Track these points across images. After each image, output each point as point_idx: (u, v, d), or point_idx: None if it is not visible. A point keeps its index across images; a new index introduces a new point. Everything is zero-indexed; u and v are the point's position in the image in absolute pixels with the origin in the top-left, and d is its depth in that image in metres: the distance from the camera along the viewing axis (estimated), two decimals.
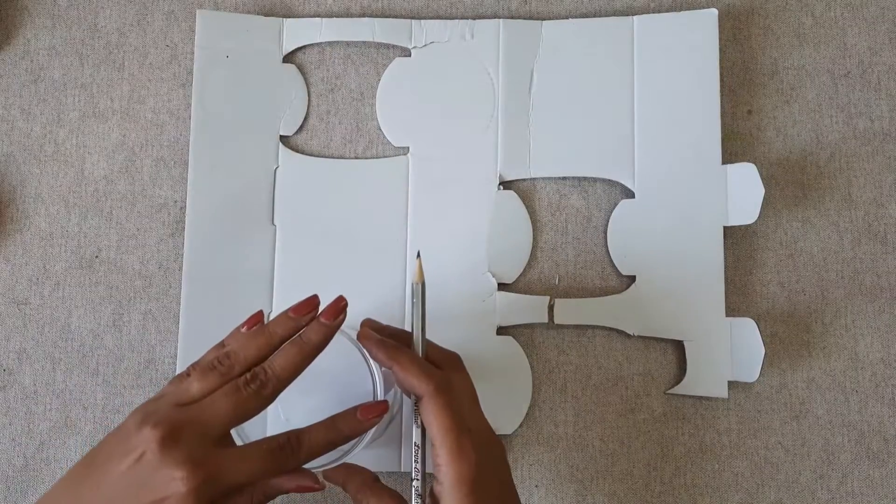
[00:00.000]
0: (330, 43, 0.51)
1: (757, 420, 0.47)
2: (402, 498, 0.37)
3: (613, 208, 0.49)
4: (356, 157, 0.50)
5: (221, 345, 0.37)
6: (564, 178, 0.50)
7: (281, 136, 0.49)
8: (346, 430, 0.36)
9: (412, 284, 0.38)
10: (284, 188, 0.49)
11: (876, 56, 0.50)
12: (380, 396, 0.40)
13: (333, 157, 0.50)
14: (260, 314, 0.38)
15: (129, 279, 0.49)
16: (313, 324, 0.36)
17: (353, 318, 0.48)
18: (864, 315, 0.48)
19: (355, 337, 0.39)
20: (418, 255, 0.39)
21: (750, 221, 0.47)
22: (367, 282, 0.48)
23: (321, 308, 0.37)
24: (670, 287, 0.47)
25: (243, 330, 0.37)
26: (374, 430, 0.37)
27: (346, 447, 0.38)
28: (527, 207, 0.49)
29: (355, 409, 0.37)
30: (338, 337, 0.37)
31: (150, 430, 0.32)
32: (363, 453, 0.45)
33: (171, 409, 0.33)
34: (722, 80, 0.49)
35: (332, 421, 0.36)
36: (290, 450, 0.34)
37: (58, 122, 0.50)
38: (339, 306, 0.37)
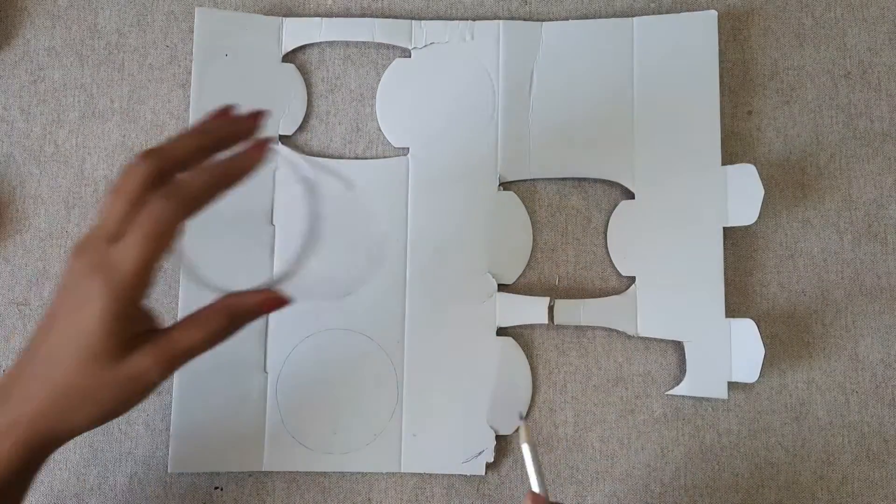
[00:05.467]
0: (330, 43, 0.51)
1: (757, 421, 0.47)
2: None
3: (613, 209, 0.49)
4: (356, 158, 0.50)
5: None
6: (564, 179, 0.50)
7: (280, 136, 0.49)
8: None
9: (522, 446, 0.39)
10: (284, 189, 0.49)
11: (876, 56, 0.50)
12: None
13: (333, 158, 0.50)
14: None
15: None
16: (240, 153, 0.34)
17: (352, 317, 0.48)
18: (865, 316, 0.48)
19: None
20: (522, 417, 0.41)
21: (750, 222, 0.47)
22: (367, 282, 0.48)
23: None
24: (670, 288, 0.47)
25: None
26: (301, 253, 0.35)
27: (281, 274, 0.36)
28: (527, 208, 0.49)
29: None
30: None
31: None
32: (363, 454, 0.45)
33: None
34: (722, 81, 0.49)
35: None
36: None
37: (57, 123, 0.50)
38: (258, 120, 0.35)
